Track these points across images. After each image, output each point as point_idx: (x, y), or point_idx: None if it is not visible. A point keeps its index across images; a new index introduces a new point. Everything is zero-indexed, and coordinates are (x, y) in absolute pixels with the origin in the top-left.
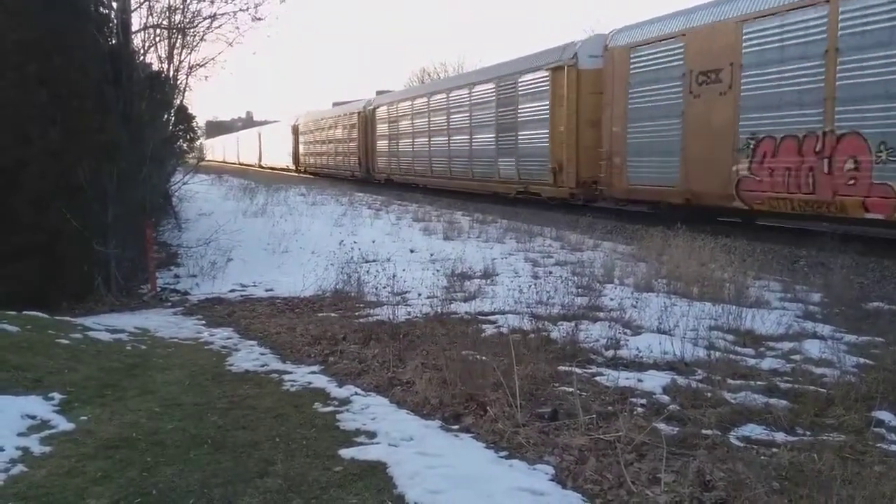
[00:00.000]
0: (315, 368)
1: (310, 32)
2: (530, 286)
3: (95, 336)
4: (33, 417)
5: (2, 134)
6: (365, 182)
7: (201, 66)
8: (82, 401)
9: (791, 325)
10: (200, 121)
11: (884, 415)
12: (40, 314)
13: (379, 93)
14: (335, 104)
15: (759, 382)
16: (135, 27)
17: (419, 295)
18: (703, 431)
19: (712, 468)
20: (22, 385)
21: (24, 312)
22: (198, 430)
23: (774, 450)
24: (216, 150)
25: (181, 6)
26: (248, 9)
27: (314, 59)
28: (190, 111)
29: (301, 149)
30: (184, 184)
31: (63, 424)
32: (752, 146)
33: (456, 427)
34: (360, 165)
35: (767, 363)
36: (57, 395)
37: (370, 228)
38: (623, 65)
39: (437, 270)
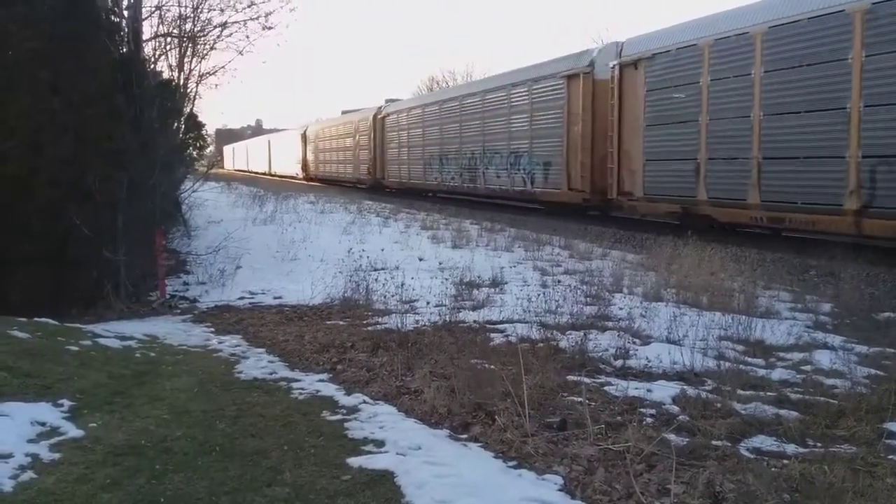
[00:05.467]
0: (323, 376)
1: (320, 41)
2: (539, 295)
3: (105, 343)
4: (43, 424)
5: (15, 142)
6: (310, 180)
7: (211, 75)
8: (91, 408)
9: (801, 335)
10: (210, 129)
11: (895, 426)
12: (50, 321)
13: (388, 101)
14: (344, 112)
15: (769, 393)
16: (146, 36)
17: (427, 303)
18: (713, 442)
19: (722, 479)
20: (32, 391)
21: (34, 319)
22: (206, 438)
23: (785, 461)
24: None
25: (192, 15)
26: (258, 18)
27: (324, 68)
28: (200, 119)
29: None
30: (193, 191)
31: (72, 431)
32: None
33: (464, 436)
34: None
35: (778, 374)
36: (66, 402)
37: (379, 236)
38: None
39: (446, 279)
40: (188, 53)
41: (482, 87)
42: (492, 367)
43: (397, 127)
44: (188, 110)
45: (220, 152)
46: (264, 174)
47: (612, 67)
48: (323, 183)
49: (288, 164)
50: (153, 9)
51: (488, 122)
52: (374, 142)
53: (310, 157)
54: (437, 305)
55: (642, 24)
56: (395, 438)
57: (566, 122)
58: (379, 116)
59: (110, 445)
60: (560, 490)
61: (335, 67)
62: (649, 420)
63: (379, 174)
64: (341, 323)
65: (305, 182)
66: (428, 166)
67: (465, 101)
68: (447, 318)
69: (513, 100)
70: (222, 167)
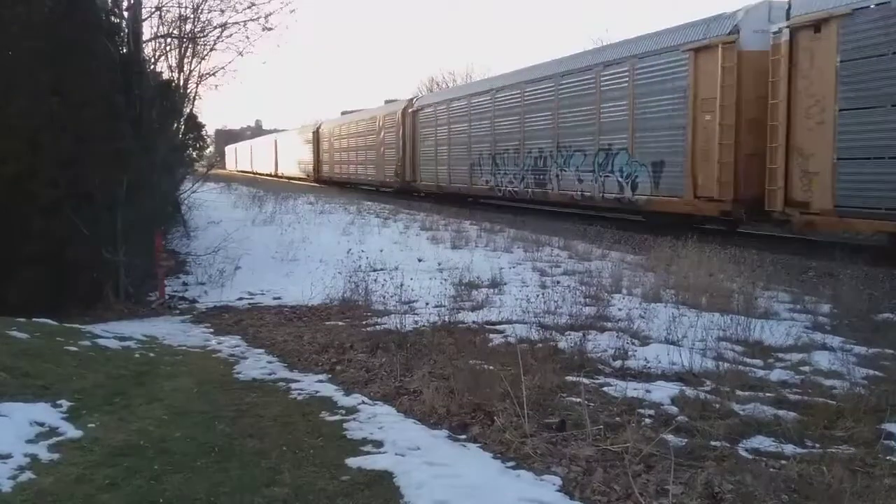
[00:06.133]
0: (322, 377)
1: (319, 42)
2: (538, 296)
3: (104, 343)
4: (42, 424)
5: (15, 142)
6: (322, 182)
7: (211, 75)
8: (90, 408)
9: (800, 336)
10: (210, 129)
11: (894, 427)
12: (49, 321)
13: (388, 101)
14: (343, 113)
15: (767, 394)
16: (146, 36)
17: (427, 304)
18: (712, 443)
19: (721, 480)
20: (31, 392)
21: (34, 319)
22: (205, 439)
23: (783, 462)
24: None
25: (192, 16)
26: (258, 19)
27: (323, 69)
28: (199, 120)
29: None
30: (193, 192)
31: (71, 432)
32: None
33: (463, 437)
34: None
35: (776, 374)
36: (65, 403)
37: (378, 237)
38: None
39: (445, 279)
40: (188, 54)
41: (554, 69)
42: (491, 367)
43: (434, 122)
44: (188, 111)
45: (220, 153)
46: (270, 176)
47: (776, 33)
48: (338, 186)
49: (297, 164)
50: (153, 9)
51: (565, 112)
52: (404, 139)
53: (323, 157)
54: (436, 306)
55: (643, 25)
56: (394, 439)
57: (691, 108)
58: (410, 110)
59: (109, 446)
60: (558, 491)
61: (334, 69)
62: (648, 421)
63: (409, 176)
64: (340, 323)
65: (317, 185)
66: (476, 167)
67: (530, 89)
68: (446, 319)
69: (604, 83)
70: (224, 168)
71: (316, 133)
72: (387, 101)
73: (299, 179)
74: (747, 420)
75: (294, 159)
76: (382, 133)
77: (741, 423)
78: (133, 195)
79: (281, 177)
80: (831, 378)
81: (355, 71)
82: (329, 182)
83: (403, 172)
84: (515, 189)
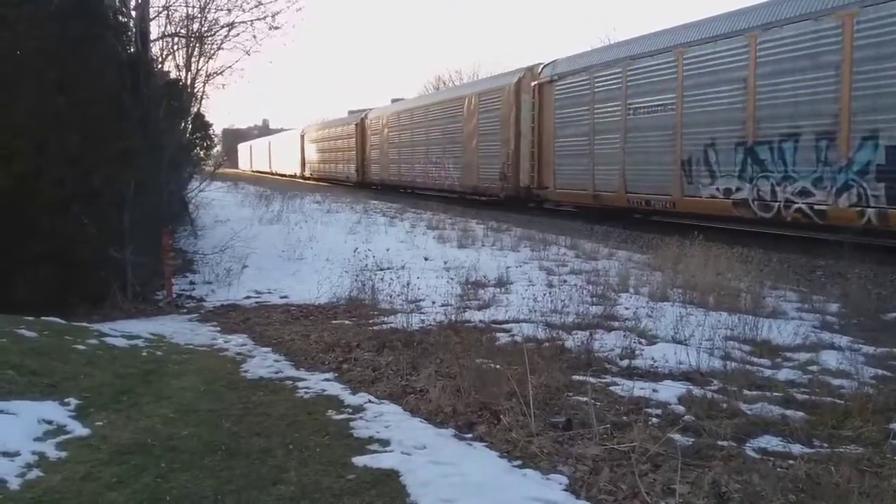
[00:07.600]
0: (329, 376)
1: (325, 41)
2: (545, 295)
3: (111, 342)
4: (49, 422)
5: (21, 141)
6: (367, 184)
7: (218, 75)
8: (98, 406)
9: (808, 335)
10: (217, 129)
11: None
12: (57, 320)
13: (394, 100)
14: (350, 112)
15: (775, 393)
16: (153, 36)
17: (433, 303)
18: (719, 442)
19: (728, 480)
20: (38, 390)
21: (42, 318)
22: (212, 437)
23: (791, 462)
24: None
25: (199, 15)
26: (265, 18)
27: (331, 67)
28: (207, 119)
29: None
30: (200, 191)
31: (79, 430)
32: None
33: (469, 436)
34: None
35: (784, 374)
36: (73, 401)
37: (385, 236)
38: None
39: (452, 278)
40: (195, 53)
41: None
42: (497, 366)
43: (588, 96)
44: (195, 110)
45: (227, 152)
46: (293, 177)
47: None
48: (389, 190)
49: (331, 164)
50: (160, 9)
51: None
52: (518, 126)
53: (370, 154)
54: (442, 305)
55: (646, 24)
56: (400, 438)
57: None
58: (535, 83)
59: (116, 444)
60: (565, 490)
61: (340, 69)
62: (655, 420)
63: (529, 180)
64: (347, 322)
65: (359, 187)
66: (695, 167)
67: (868, 18)
68: (453, 318)
69: None
70: (237, 168)
71: (360, 124)
72: (393, 101)
73: (335, 182)
74: (755, 419)
75: (326, 158)
76: (475, 119)
77: (748, 422)
78: (140, 194)
79: (308, 178)
80: (839, 377)
81: (361, 70)
82: (381, 186)
83: (517, 174)
84: (819, 206)
